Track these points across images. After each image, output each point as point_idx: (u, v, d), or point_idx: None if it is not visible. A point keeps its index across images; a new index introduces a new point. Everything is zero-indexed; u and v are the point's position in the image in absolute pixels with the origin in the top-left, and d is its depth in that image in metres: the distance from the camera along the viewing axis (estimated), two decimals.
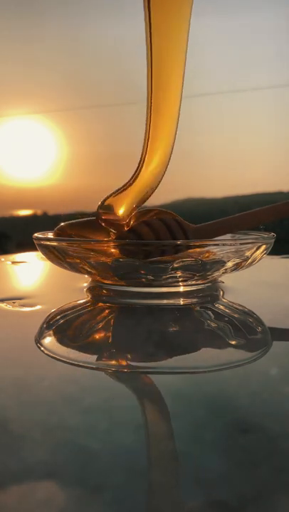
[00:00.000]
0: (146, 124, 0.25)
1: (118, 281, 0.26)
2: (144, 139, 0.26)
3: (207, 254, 0.24)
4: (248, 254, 0.25)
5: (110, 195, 0.27)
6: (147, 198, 0.27)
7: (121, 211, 0.27)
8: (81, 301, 0.26)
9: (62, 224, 0.30)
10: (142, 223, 0.27)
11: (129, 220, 0.27)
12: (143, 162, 0.26)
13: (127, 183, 0.27)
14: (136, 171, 0.27)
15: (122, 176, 0.28)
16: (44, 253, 0.27)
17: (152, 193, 0.27)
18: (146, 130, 0.26)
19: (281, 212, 0.30)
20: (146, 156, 0.26)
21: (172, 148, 0.26)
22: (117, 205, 0.27)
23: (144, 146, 0.26)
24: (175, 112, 0.25)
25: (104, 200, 0.27)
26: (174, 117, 0.25)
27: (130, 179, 0.27)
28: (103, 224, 0.27)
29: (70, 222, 0.30)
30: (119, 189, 0.27)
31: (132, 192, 0.27)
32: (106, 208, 0.27)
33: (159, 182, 0.27)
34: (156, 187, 0.27)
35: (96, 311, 0.25)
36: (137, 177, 0.26)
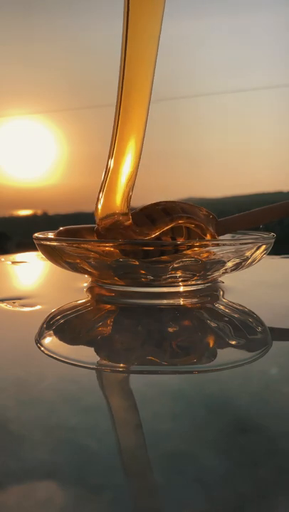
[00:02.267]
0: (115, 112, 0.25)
1: (118, 281, 0.26)
2: (114, 127, 0.26)
3: (206, 254, 0.24)
4: (248, 254, 0.25)
5: (97, 203, 0.27)
6: (133, 182, 0.26)
7: (118, 205, 0.26)
8: (81, 301, 0.26)
9: (61, 228, 0.30)
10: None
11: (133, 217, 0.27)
12: (113, 149, 0.26)
13: (102, 182, 0.27)
14: (107, 164, 0.26)
15: None
16: (44, 253, 0.27)
17: (135, 174, 0.26)
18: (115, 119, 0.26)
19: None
20: (116, 143, 0.26)
21: (144, 130, 0.26)
22: (111, 206, 0.26)
23: (113, 132, 0.26)
24: (147, 92, 0.25)
25: (97, 211, 0.27)
26: (146, 96, 0.25)
27: (104, 177, 0.27)
28: (112, 235, 0.27)
29: (69, 227, 0.31)
30: (99, 195, 0.27)
31: (113, 186, 0.26)
32: (104, 217, 0.27)
33: (138, 163, 0.26)
34: (137, 168, 0.26)
35: (96, 311, 0.25)
36: (111, 167, 0.26)
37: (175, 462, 0.10)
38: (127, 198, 0.26)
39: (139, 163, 0.26)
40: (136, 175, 0.26)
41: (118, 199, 0.26)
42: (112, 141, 0.26)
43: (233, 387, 0.15)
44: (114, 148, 0.26)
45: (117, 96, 0.25)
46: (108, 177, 0.26)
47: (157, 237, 0.27)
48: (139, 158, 0.26)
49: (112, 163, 0.26)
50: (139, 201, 0.30)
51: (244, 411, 0.13)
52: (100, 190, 0.27)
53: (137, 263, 0.24)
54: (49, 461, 0.10)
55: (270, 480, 0.10)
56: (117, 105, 0.25)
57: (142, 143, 0.26)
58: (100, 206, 0.27)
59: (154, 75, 0.25)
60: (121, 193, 0.26)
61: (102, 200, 0.26)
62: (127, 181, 0.26)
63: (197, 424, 0.12)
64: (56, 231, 0.30)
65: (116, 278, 0.26)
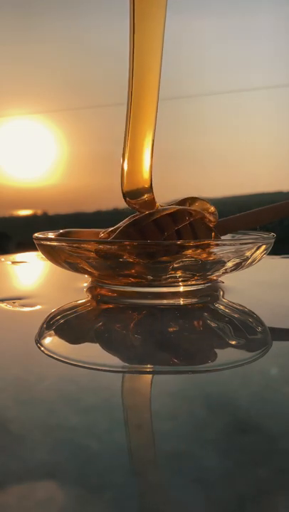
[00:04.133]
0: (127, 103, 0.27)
1: (118, 281, 0.26)
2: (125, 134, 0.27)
3: (205, 255, 0.24)
4: (248, 254, 0.25)
5: (122, 179, 0.27)
6: (152, 154, 0.27)
7: (143, 184, 0.27)
8: (81, 301, 0.26)
9: (61, 231, 0.30)
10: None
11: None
12: (128, 131, 0.27)
13: (124, 153, 0.27)
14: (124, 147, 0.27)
15: None
16: (44, 253, 0.27)
17: (153, 144, 0.27)
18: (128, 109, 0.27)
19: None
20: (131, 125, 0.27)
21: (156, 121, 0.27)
22: (137, 181, 0.27)
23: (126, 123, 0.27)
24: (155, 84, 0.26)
25: (122, 186, 0.27)
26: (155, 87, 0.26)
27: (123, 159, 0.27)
28: (140, 207, 0.28)
29: (70, 230, 0.31)
30: (123, 165, 0.27)
31: (136, 156, 0.27)
32: (131, 194, 0.27)
33: (154, 138, 0.27)
34: (153, 139, 0.27)
35: (96, 311, 0.25)
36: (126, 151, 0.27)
37: (175, 462, 0.10)
38: (150, 167, 0.27)
39: (155, 129, 0.27)
40: (154, 141, 0.27)
41: (142, 170, 0.27)
42: (127, 115, 0.27)
43: (233, 387, 0.15)
44: (130, 119, 0.27)
45: (128, 101, 0.26)
46: (128, 146, 0.27)
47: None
48: (155, 125, 0.27)
49: (129, 132, 0.27)
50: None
51: (244, 411, 0.13)
52: (123, 160, 0.27)
53: (138, 263, 0.24)
54: (49, 461, 0.10)
55: (270, 480, 0.10)
56: (127, 109, 0.26)
57: (157, 109, 0.27)
58: (125, 180, 0.27)
59: (160, 76, 0.26)
60: (143, 163, 0.27)
61: (126, 171, 0.27)
62: (147, 149, 0.27)
63: (197, 424, 0.12)
64: (57, 233, 0.30)
65: (116, 278, 0.26)
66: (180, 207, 0.27)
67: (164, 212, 0.26)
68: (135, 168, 0.27)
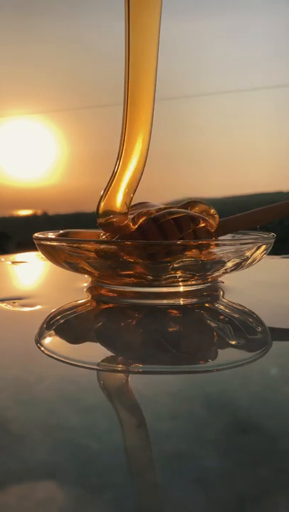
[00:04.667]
0: (123, 112, 0.26)
1: (118, 281, 0.26)
2: (122, 128, 0.26)
3: (203, 257, 0.24)
4: (248, 254, 0.25)
5: (100, 200, 0.27)
6: (137, 185, 0.27)
7: (118, 207, 0.26)
8: (81, 301, 0.26)
9: (61, 232, 0.30)
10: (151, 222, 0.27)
11: (134, 218, 0.27)
12: (122, 152, 0.26)
13: (110, 179, 0.27)
14: (116, 165, 0.27)
15: None
16: (44, 253, 0.27)
17: (140, 176, 0.26)
18: (123, 119, 0.26)
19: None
20: (125, 145, 0.26)
21: (150, 132, 0.26)
22: (112, 204, 0.26)
23: (121, 137, 0.26)
24: (151, 96, 0.26)
25: (98, 207, 0.27)
26: (150, 101, 0.26)
27: (112, 174, 0.27)
28: (109, 230, 0.27)
29: (70, 230, 0.31)
30: (104, 192, 0.27)
31: (118, 186, 0.26)
32: (104, 214, 0.26)
33: (144, 165, 0.27)
34: (143, 169, 0.27)
35: (96, 311, 0.25)
36: (118, 169, 0.26)
37: (175, 462, 0.10)
38: (129, 199, 0.26)
39: (144, 167, 0.26)
40: (140, 178, 0.26)
41: (119, 200, 0.26)
42: (120, 145, 0.26)
43: (233, 387, 0.15)
44: (122, 152, 0.26)
45: (124, 98, 0.26)
46: (114, 179, 0.26)
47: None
48: (144, 163, 0.26)
49: (119, 165, 0.26)
50: (139, 201, 0.30)
51: (244, 411, 0.13)
52: (105, 190, 0.27)
53: (138, 263, 0.24)
54: (49, 461, 0.10)
55: (270, 480, 0.10)
56: (124, 106, 0.26)
57: (148, 146, 0.26)
58: (102, 204, 0.27)
59: (156, 73, 0.26)
60: (123, 194, 0.26)
61: (104, 199, 0.26)
62: (131, 183, 0.26)
63: (197, 424, 0.12)
64: (57, 233, 0.30)
65: (116, 278, 0.26)
66: (192, 213, 0.27)
67: (182, 214, 0.26)
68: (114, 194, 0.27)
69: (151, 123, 0.26)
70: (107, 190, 0.26)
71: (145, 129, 0.26)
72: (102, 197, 0.26)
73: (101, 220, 0.26)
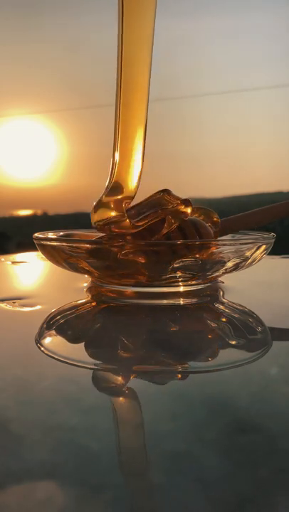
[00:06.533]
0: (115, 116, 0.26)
1: (118, 281, 0.26)
2: (115, 134, 0.26)
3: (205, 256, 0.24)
4: (248, 254, 0.25)
5: (96, 206, 0.27)
6: (136, 190, 0.27)
7: (114, 213, 0.26)
8: (81, 301, 0.26)
9: (61, 233, 0.30)
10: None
11: (136, 220, 0.27)
12: (117, 156, 0.26)
13: (108, 185, 0.27)
14: (111, 171, 0.26)
15: None
16: (44, 253, 0.27)
17: (139, 181, 0.26)
18: (116, 122, 0.26)
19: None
20: (120, 150, 0.26)
21: (144, 138, 0.26)
22: (107, 211, 0.26)
23: (114, 142, 0.26)
24: (144, 97, 0.26)
25: (95, 211, 0.27)
26: (144, 101, 0.26)
27: (109, 180, 0.27)
28: (108, 232, 0.27)
29: (70, 232, 0.31)
30: (100, 200, 0.27)
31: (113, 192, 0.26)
32: (101, 216, 0.26)
33: (141, 171, 0.26)
34: (141, 173, 0.27)
35: (96, 311, 0.25)
36: (114, 175, 0.26)
37: (175, 462, 0.10)
38: (124, 206, 0.26)
39: (142, 171, 0.26)
40: (137, 188, 0.26)
41: (117, 202, 0.26)
42: (113, 151, 0.26)
43: (233, 387, 0.15)
44: (116, 160, 0.26)
45: (116, 99, 0.26)
46: (110, 186, 0.26)
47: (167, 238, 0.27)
48: (142, 164, 0.26)
49: (113, 176, 0.26)
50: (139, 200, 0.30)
51: (244, 411, 0.13)
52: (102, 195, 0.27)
53: (138, 263, 0.24)
54: (49, 461, 0.10)
55: (270, 480, 0.10)
56: (117, 107, 0.26)
57: (144, 152, 0.26)
58: (97, 210, 0.27)
59: (150, 75, 0.25)
60: (119, 203, 0.26)
61: (100, 206, 0.27)
62: (126, 194, 0.26)
63: (197, 424, 0.12)
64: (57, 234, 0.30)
65: (116, 278, 0.25)
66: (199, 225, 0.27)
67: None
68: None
69: (146, 121, 0.26)
70: (103, 194, 0.26)
71: (140, 129, 0.26)
72: (97, 203, 0.27)
73: (98, 224, 0.26)
